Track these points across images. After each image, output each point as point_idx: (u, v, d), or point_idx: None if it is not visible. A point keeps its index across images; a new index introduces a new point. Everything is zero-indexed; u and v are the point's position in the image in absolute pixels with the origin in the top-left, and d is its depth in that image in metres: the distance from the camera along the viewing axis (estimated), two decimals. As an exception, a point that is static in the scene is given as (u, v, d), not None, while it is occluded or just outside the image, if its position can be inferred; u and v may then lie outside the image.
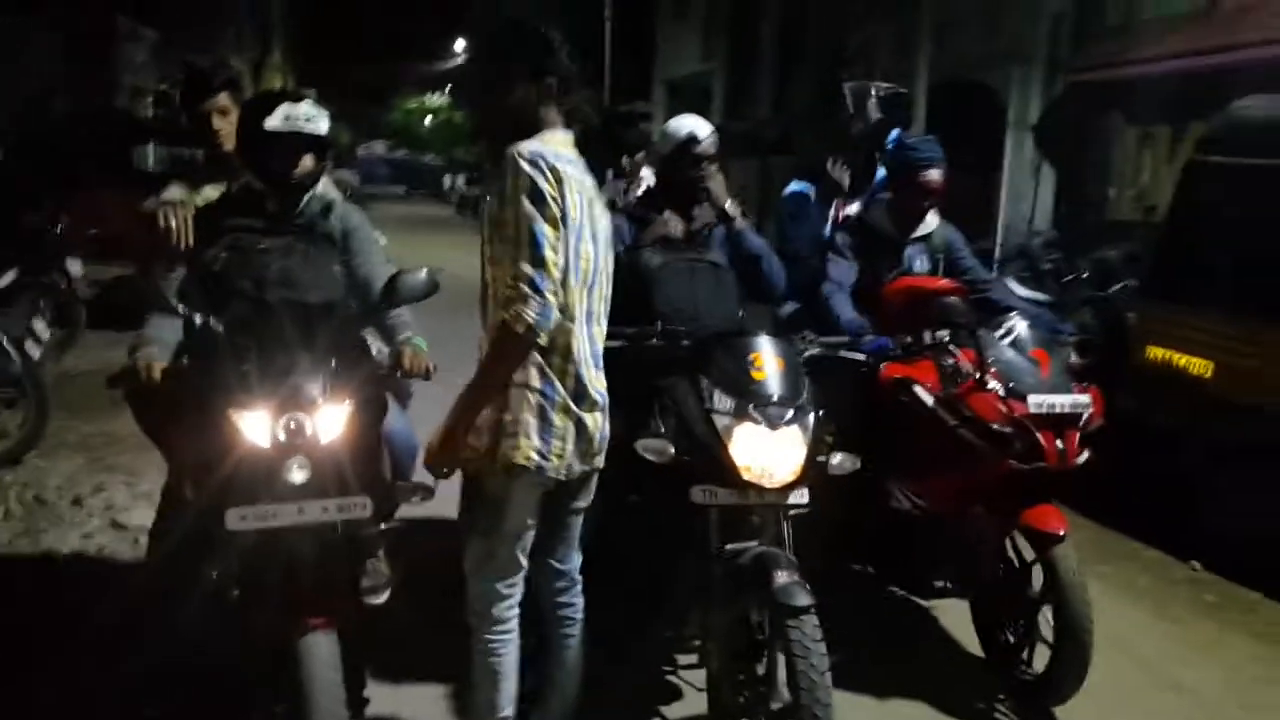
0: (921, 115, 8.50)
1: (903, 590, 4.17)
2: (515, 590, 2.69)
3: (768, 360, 3.04)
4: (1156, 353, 5.29)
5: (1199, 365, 5.02)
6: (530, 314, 2.40)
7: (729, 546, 2.90)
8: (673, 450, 2.99)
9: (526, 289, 2.41)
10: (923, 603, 4.20)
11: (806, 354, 3.39)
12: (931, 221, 4.23)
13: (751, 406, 2.92)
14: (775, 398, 2.95)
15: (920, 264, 4.19)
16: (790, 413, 2.94)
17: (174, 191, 3.55)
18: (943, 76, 12.61)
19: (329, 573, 2.61)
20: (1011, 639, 3.60)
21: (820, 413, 3.04)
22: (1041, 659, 3.46)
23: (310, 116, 3.07)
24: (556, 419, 2.56)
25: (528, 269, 2.41)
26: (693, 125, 3.70)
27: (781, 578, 2.67)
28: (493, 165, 2.72)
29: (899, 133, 4.83)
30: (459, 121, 49.80)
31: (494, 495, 2.58)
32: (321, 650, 2.37)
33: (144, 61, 17.60)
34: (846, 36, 15.79)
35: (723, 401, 2.96)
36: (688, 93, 23.04)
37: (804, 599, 2.63)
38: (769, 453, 2.88)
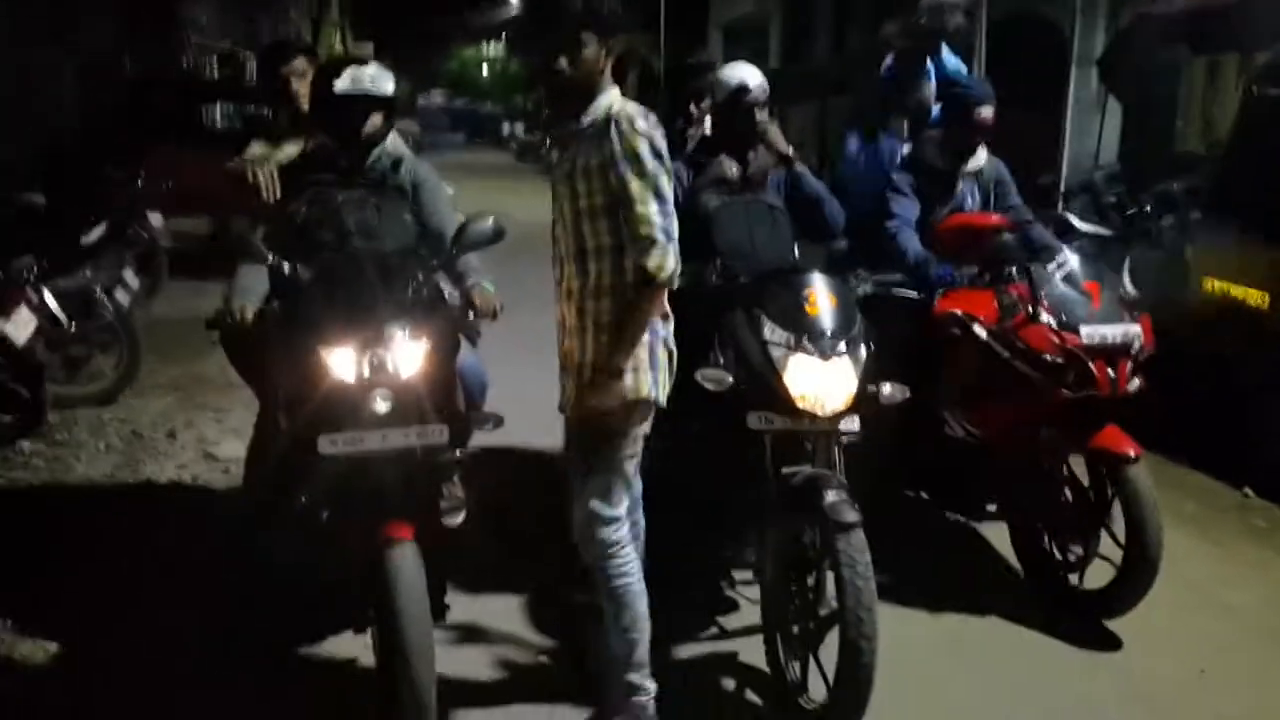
0: (982, 52, 8.44)
1: (953, 514, 4.32)
2: (626, 511, 2.86)
3: (821, 297, 3.18)
4: (1213, 284, 5.30)
5: (1255, 296, 5.02)
6: (671, 262, 2.62)
7: (783, 470, 3.05)
8: (730, 380, 3.15)
9: (664, 239, 2.61)
10: (972, 525, 4.33)
11: (860, 290, 3.53)
12: (981, 156, 4.31)
13: (805, 338, 3.07)
14: (828, 331, 3.10)
15: (972, 198, 4.29)
16: (842, 344, 3.08)
17: (256, 149, 3.76)
18: (1005, 13, 12.37)
19: (411, 493, 2.82)
20: (1064, 558, 3.68)
21: (871, 345, 3.17)
22: (1096, 577, 3.55)
23: (375, 78, 3.31)
24: (660, 352, 2.78)
25: (662, 220, 2.61)
26: (744, 74, 3.82)
27: (831, 496, 2.82)
28: (559, 121, 2.89)
29: (954, 67, 4.91)
30: (515, 70, 49.76)
31: (615, 430, 2.76)
32: (407, 561, 2.58)
33: (208, 22, 17.84)
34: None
35: (778, 334, 3.11)
36: (745, 36, 22.75)
37: (852, 516, 2.78)
38: (821, 382, 3.03)
